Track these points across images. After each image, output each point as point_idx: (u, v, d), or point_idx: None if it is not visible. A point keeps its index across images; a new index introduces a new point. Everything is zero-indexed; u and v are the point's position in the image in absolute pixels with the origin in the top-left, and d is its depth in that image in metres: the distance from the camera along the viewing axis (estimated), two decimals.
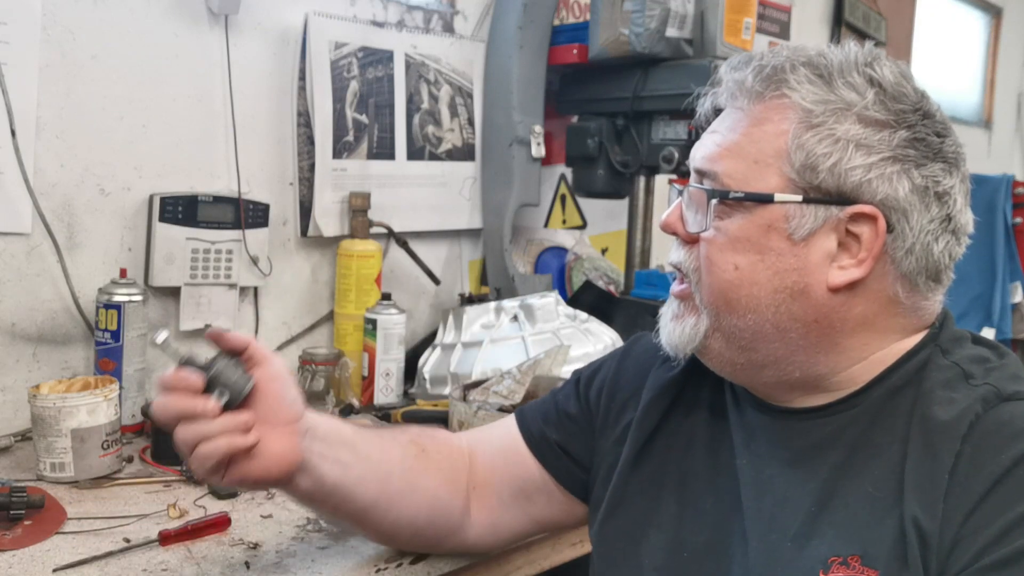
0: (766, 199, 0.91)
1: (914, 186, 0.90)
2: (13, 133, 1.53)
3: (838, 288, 0.90)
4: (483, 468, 1.17)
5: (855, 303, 0.92)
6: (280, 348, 1.99)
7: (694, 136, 2.06)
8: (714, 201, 0.93)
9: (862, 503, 0.88)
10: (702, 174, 0.96)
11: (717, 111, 1.01)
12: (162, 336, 0.88)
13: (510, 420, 1.20)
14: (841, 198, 0.90)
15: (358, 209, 2.00)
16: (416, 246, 2.13)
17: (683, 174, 2.04)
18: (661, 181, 2.42)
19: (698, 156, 0.97)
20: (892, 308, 0.93)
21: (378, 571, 1.18)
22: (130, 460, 1.49)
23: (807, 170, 0.90)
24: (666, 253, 1.10)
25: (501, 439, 1.18)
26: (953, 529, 0.81)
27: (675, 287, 1.01)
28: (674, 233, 0.99)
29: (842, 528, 0.88)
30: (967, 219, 0.94)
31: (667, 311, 1.02)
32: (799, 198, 0.90)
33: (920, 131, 0.91)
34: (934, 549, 0.81)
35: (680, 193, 0.99)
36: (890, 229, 0.90)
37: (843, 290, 0.91)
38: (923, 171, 0.90)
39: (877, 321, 0.93)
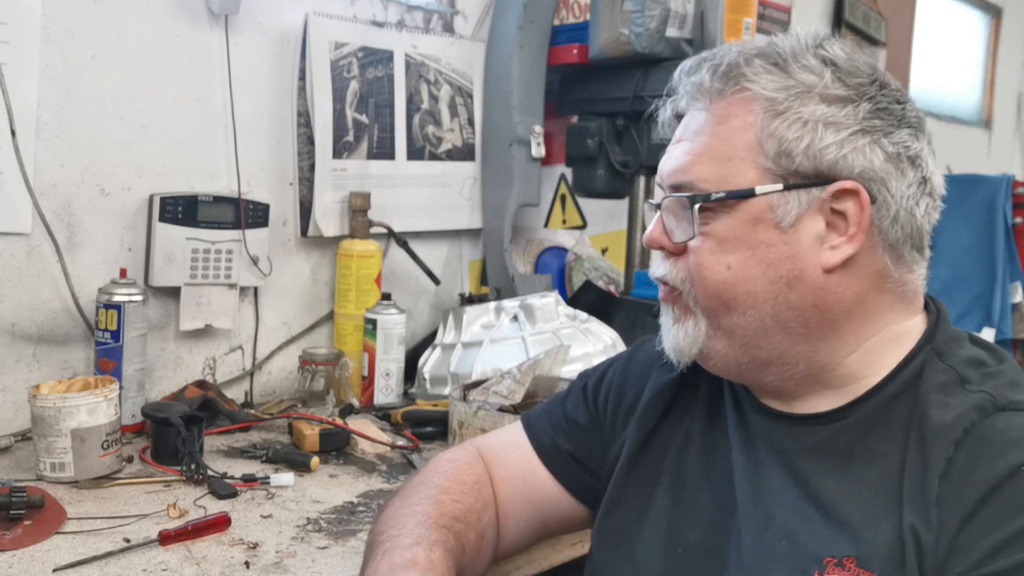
0: (747, 194, 0.91)
1: (887, 154, 0.91)
2: (13, 133, 1.53)
3: (833, 268, 0.91)
4: (504, 498, 1.14)
5: (849, 282, 0.92)
6: (280, 348, 1.99)
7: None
8: (696, 206, 0.93)
9: (858, 506, 0.88)
10: (677, 187, 0.96)
11: (678, 117, 1.01)
12: None
13: (521, 435, 1.19)
14: (820, 178, 0.90)
15: (358, 209, 2.00)
16: (416, 246, 2.13)
17: None
18: None
19: (668, 170, 0.97)
20: (882, 283, 0.94)
21: None
22: (130, 460, 1.49)
23: (782, 156, 0.90)
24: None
25: (519, 462, 1.16)
26: (948, 537, 0.81)
27: (662, 291, 1.01)
28: (660, 247, 0.99)
29: (837, 529, 0.88)
30: (939, 180, 0.96)
31: (666, 318, 1.01)
32: (779, 186, 0.90)
33: (881, 101, 0.92)
34: (928, 552, 0.82)
35: (657, 207, 0.99)
36: (872, 200, 0.90)
37: (838, 269, 0.91)
38: (892, 139, 0.92)
39: (869, 299, 0.93)
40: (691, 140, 0.95)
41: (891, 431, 0.90)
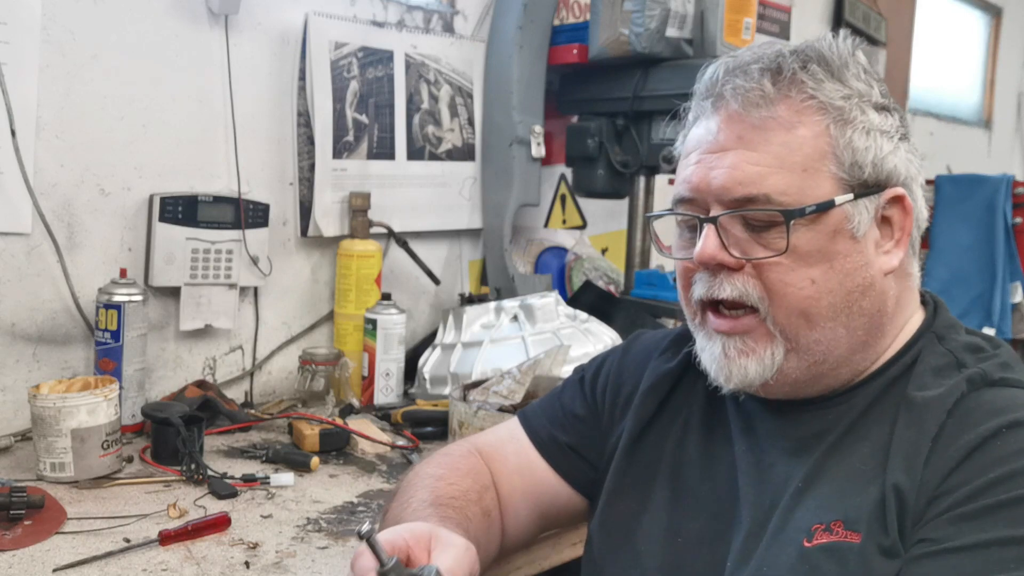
0: (830, 205, 0.90)
1: (914, 159, 0.95)
2: (13, 133, 1.53)
3: (890, 272, 0.94)
4: (504, 493, 1.14)
5: (894, 284, 0.95)
6: (280, 348, 1.99)
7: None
8: (792, 222, 0.89)
9: (847, 476, 0.90)
10: (745, 200, 0.90)
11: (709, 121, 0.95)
12: (365, 528, 0.84)
13: (518, 430, 1.19)
14: (878, 186, 0.92)
15: (358, 209, 2.00)
16: (416, 246, 2.13)
17: None
18: (661, 181, 2.42)
19: (730, 181, 0.91)
20: (907, 281, 0.98)
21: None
22: (130, 460, 1.49)
23: (855, 167, 0.91)
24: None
25: (516, 455, 1.16)
26: (929, 491, 0.84)
27: (724, 323, 0.94)
28: (719, 264, 0.92)
29: (826, 499, 0.90)
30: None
31: (723, 349, 0.95)
32: (851, 196, 0.91)
33: (898, 107, 0.96)
34: (910, 509, 0.84)
35: (709, 221, 0.92)
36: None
37: (890, 273, 0.94)
38: (911, 144, 0.96)
39: (902, 297, 0.97)
40: (751, 149, 0.91)
41: (886, 409, 0.92)
